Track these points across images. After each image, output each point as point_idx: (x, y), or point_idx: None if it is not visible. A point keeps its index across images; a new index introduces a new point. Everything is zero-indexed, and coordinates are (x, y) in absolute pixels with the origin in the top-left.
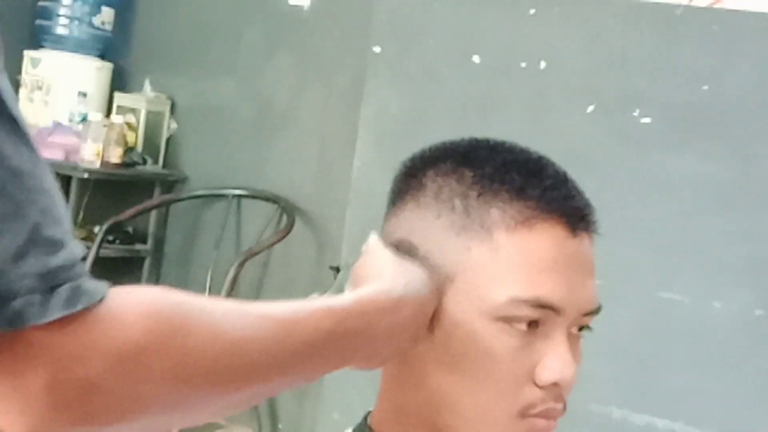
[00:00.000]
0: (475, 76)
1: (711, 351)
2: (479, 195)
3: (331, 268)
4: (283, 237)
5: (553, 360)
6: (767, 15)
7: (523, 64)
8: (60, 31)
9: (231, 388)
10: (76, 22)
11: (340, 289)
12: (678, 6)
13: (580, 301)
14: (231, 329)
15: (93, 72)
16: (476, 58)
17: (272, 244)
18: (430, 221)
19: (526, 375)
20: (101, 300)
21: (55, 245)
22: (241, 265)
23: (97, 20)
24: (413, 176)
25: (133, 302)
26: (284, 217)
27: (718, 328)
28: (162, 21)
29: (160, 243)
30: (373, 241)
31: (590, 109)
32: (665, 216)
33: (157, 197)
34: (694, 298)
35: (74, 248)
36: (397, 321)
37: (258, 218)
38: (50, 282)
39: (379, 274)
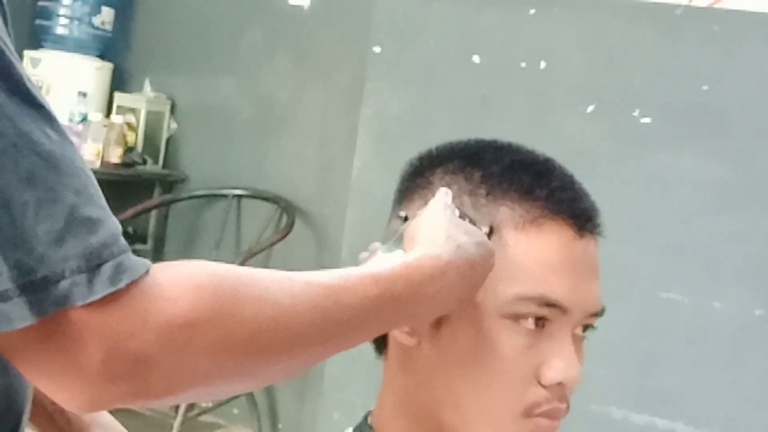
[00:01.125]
0: (475, 76)
1: (711, 351)
2: (488, 194)
3: (399, 216)
4: (283, 237)
5: (559, 360)
6: (767, 15)
7: (523, 64)
8: (60, 31)
9: (281, 356)
10: (76, 22)
11: (397, 243)
12: (678, 6)
13: (585, 301)
14: (279, 297)
15: (93, 72)
16: (476, 58)
17: (272, 244)
18: None
19: (531, 374)
20: (145, 274)
21: (94, 224)
22: (241, 265)
23: (97, 20)
24: (420, 175)
25: (179, 275)
26: (284, 217)
27: (718, 328)
28: (162, 21)
29: (160, 243)
30: (440, 197)
31: (590, 109)
32: (665, 216)
33: (157, 197)
34: (694, 298)
35: (112, 225)
36: (443, 285)
37: (258, 218)
38: (93, 261)
39: (433, 236)
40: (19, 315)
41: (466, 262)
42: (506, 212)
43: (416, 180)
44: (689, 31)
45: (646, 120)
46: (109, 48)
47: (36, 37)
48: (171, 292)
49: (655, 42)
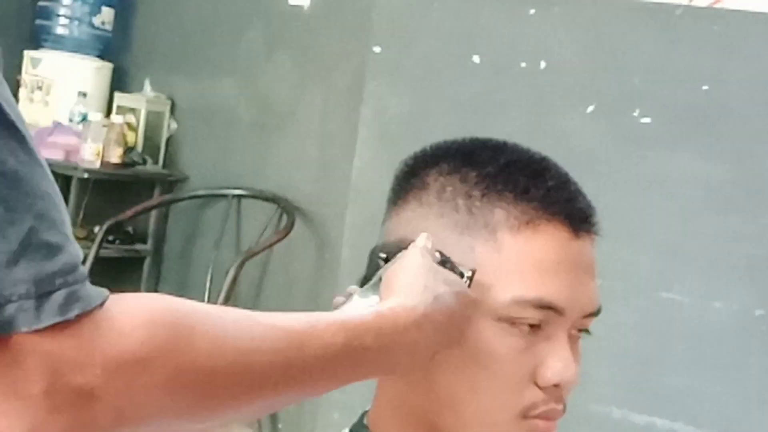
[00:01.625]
0: (475, 76)
1: (711, 351)
2: (483, 195)
3: (379, 258)
4: (283, 237)
5: (556, 361)
6: (767, 15)
7: (523, 64)
8: (60, 31)
9: (236, 400)
10: (76, 22)
11: (374, 288)
12: (678, 6)
13: (582, 302)
14: (238, 339)
15: (93, 72)
16: (476, 58)
17: (272, 244)
18: (432, 220)
19: (528, 376)
20: (100, 306)
21: (52, 250)
22: (241, 265)
23: (97, 20)
24: (415, 175)
25: (135, 309)
26: (284, 217)
27: (718, 328)
28: (162, 21)
29: (160, 243)
30: (421, 242)
31: (590, 109)
32: (665, 216)
33: (157, 197)
34: (694, 298)
35: (72, 252)
36: (418, 338)
37: (258, 218)
38: (44, 287)
39: (410, 285)
40: None
41: (443, 314)
42: (502, 214)
43: (411, 180)
44: (689, 31)
45: (646, 120)
46: (109, 48)
47: (36, 37)
48: (123, 326)
49: (655, 42)
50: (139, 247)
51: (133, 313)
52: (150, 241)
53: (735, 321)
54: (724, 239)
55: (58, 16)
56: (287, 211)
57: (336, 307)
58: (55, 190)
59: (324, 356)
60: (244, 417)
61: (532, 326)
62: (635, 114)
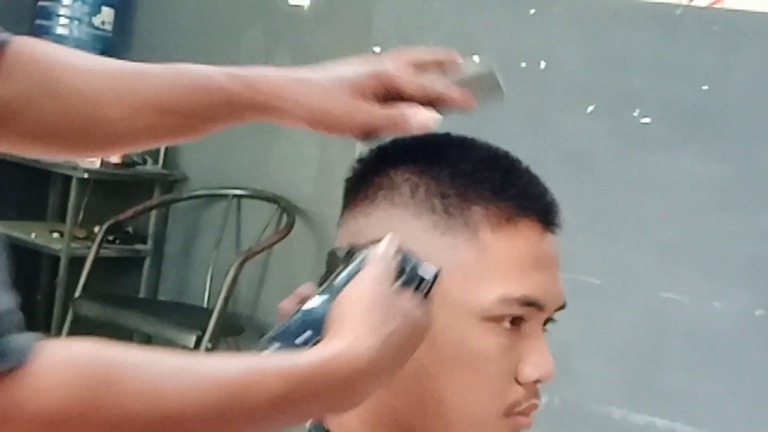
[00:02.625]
0: None
1: (711, 351)
2: (459, 194)
3: (336, 255)
4: (283, 237)
5: (536, 357)
6: (767, 15)
7: (523, 64)
8: (60, 31)
9: None
10: (76, 22)
11: (330, 290)
12: (678, 6)
13: (556, 297)
14: (167, 392)
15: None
16: (476, 58)
17: (272, 244)
18: (409, 221)
19: (511, 374)
20: (21, 362)
21: None
22: (241, 265)
23: (97, 20)
24: (379, 173)
25: (63, 361)
26: (284, 217)
27: (718, 328)
28: (162, 21)
29: (160, 243)
30: (378, 258)
31: (590, 109)
32: (665, 216)
33: (157, 197)
34: (694, 298)
35: (1, 303)
36: (361, 386)
37: (258, 218)
38: None
39: (360, 325)
40: None
41: (392, 353)
42: (480, 212)
43: (374, 179)
44: (689, 31)
45: (646, 120)
46: (109, 48)
47: (36, 37)
48: (52, 379)
49: (655, 42)
50: (139, 247)
51: (61, 367)
52: (150, 241)
53: (735, 321)
54: (724, 239)
55: (58, 16)
56: (287, 211)
57: (283, 315)
58: None
59: (264, 407)
60: None
61: (513, 324)
62: (635, 114)
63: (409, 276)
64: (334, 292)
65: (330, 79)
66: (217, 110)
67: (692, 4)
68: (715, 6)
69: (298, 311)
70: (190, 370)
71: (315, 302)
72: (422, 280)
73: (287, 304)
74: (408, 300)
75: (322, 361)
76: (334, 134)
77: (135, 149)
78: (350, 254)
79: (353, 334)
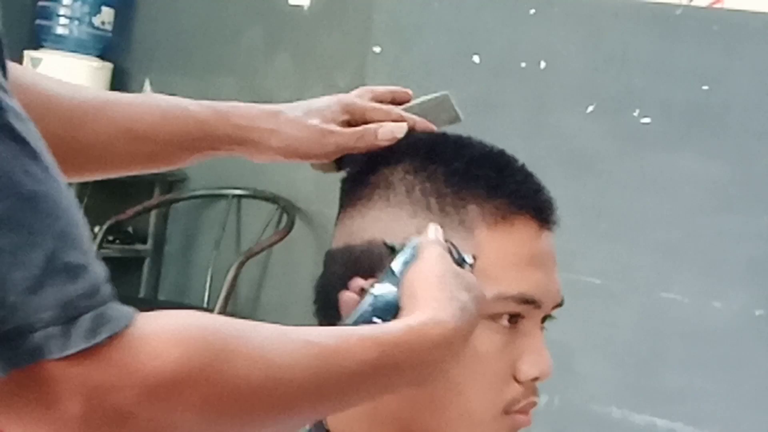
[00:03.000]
0: (475, 76)
1: (711, 351)
2: (454, 192)
3: (387, 246)
4: (283, 237)
5: (533, 355)
6: (767, 15)
7: (523, 64)
8: (60, 31)
9: (270, 417)
10: (76, 22)
11: (390, 278)
12: (678, 6)
13: (553, 294)
14: (272, 357)
15: (93, 72)
16: (476, 58)
17: (272, 244)
18: (405, 221)
19: (509, 372)
20: (128, 326)
21: (75, 271)
22: (241, 265)
23: (97, 20)
24: (374, 173)
25: (166, 328)
26: (284, 217)
27: (718, 328)
28: (162, 21)
29: (160, 243)
30: (431, 243)
31: (590, 109)
32: (665, 216)
33: (157, 197)
34: (694, 298)
35: (96, 271)
36: (447, 353)
37: (258, 218)
38: (70, 312)
39: (437, 296)
40: None
41: (470, 325)
42: (476, 210)
43: (370, 179)
44: (689, 31)
45: (646, 120)
46: (109, 48)
47: (36, 37)
48: (156, 346)
49: (655, 42)
50: (139, 247)
51: (165, 333)
52: (150, 241)
53: (735, 321)
54: (724, 239)
55: (58, 16)
56: (287, 211)
57: (348, 306)
58: (73, 203)
59: (357, 372)
60: None
61: (510, 322)
62: (635, 114)
63: (456, 259)
64: (397, 278)
65: (298, 110)
66: (191, 140)
67: (692, 4)
68: (715, 6)
69: (366, 299)
70: (286, 336)
71: (382, 289)
72: (464, 262)
73: (349, 295)
74: (469, 275)
75: (411, 328)
76: (306, 161)
77: (115, 174)
78: (392, 248)
79: (434, 304)
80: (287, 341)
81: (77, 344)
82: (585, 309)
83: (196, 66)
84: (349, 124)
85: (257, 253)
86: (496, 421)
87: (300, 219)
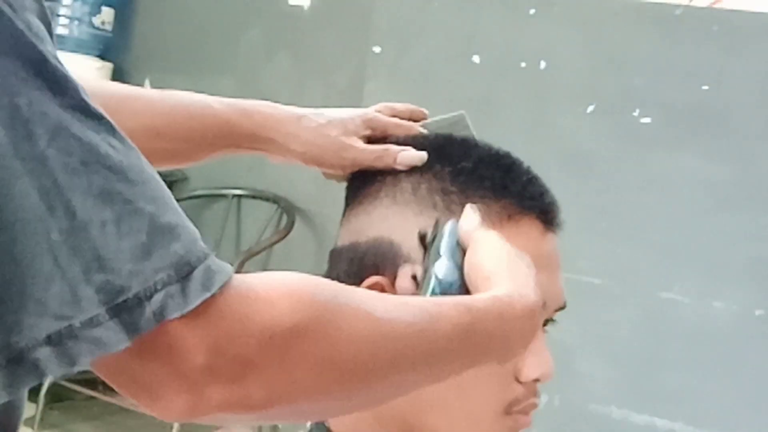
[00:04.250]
0: (475, 76)
1: (711, 351)
2: (461, 191)
3: (420, 236)
4: (283, 237)
5: (536, 357)
6: (767, 15)
7: (523, 64)
8: (60, 31)
9: (379, 373)
10: (76, 22)
11: (440, 260)
12: (678, 6)
13: (557, 296)
14: (376, 311)
15: (93, 72)
16: (476, 58)
17: (272, 244)
18: (410, 219)
19: (511, 372)
20: (232, 279)
21: (175, 230)
22: (241, 265)
23: (97, 20)
24: (381, 172)
25: (274, 282)
26: (284, 217)
27: (718, 328)
28: (162, 21)
29: None
30: (475, 222)
31: (590, 109)
32: (665, 216)
33: None
34: (694, 298)
35: (191, 228)
36: (531, 326)
37: (258, 218)
38: (183, 269)
39: (511, 272)
40: (114, 339)
41: (541, 302)
42: (482, 210)
43: (377, 177)
44: (689, 31)
45: (646, 120)
46: (109, 48)
47: None
48: (268, 296)
49: (655, 42)
50: None
51: (274, 285)
52: None
53: (735, 321)
54: (724, 239)
55: (58, 16)
56: (287, 211)
57: (402, 293)
58: (152, 168)
59: (452, 335)
60: (374, 400)
61: None
62: (635, 114)
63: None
64: (452, 261)
65: (321, 117)
66: (213, 137)
67: (692, 4)
68: (715, 6)
69: (429, 283)
70: (382, 297)
71: (444, 271)
72: None
73: (402, 286)
74: (526, 254)
75: (498, 298)
76: (323, 168)
77: None
78: (423, 236)
79: (513, 280)
80: (386, 300)
81: (196, 299)
82: (585, 309)
83: (196, 66)
84: (369, 138)
85: (257, 253)
86: (497, 421)
87: (300, 219)
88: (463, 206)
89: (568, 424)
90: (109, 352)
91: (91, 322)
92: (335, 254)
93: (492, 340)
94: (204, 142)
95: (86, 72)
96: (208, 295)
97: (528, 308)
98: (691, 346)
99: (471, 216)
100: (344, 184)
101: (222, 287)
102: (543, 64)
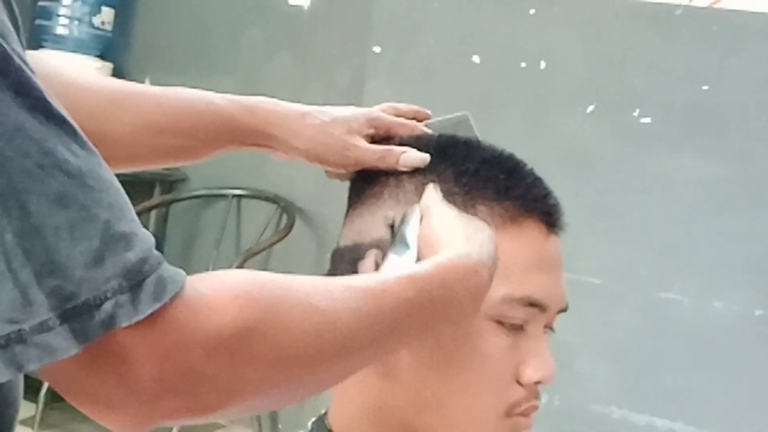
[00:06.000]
0: (475, 76)
1: (711, 351)
2: (465, 193)
3: (388, 225)
4: (283, 237)
5: (537, 359)
6: (767, 15)
7: (523, 64)
8: (60, 31)
9: (326, 363)
10: (76, 22)
11: (403, 246)
12: (678, 6)
13: (559, 298)
14: (321, 302)
15: (93, 72)
16: (476, 58)
17: (272, 244)
18: None
19: (512, 374)
20: (184, 285)
21: (130, 238)
22: (241, 265)
23: (97, 20)
24: (385, 172)
25: (220, 285)
26: (284, 217)
27: (718, 328)
28: (162, 21)
29: (160, 243)
30: (432, 196)
31: (590, 109)
32: (665, 216)
33: (157, 197)
34: (694, 298)
35: (146, 236)
36: (477, 285)
37: (258, 218)
38: (134, 278)
39: (453, 236)
40: (63, 345)
41: (490, 260)
42: (485, 211)
43: (380, 178)
44: (689, 31)
45: (646, 120)
46: (109, 48)
47: (36, 37)
48: (216, 303)
49: (655, 42)
50: None
51: (221, 290)
52: None
53: (735, 321)
54: (724, 239)
55: (58, 16)
56: (287, 211)
57: (363, 272)
58: (112, 176)
59: (399, 310)
60: (331, 382)
61: (516, 324)
62: (635, 114)
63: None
64: (410, 245)
65: (325, 115)
66: (217, 134)
67: (692, 4)
68: (714, 6)
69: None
70: (328, 284)
71: (402, 255)
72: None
73: (369, 264)
74: (477, 219)
75: (439, 263)
76: (325, 167)
77: (134, 168)
78: (392, 225)
79: (454, 243)
80: (331, 288)
81: (146, 309)
82: (585, 309)
83: (197, 66)
84: (372, 138)
85: (257, 253)
86: (497, 423)
87: (300, 219)
88: (467, 208)
89: (568, 424)
90: (58, 359)
91: (41, 327)
92: (337, 254)
93: (439, 305)
94: (207, 139)
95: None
96: (158, 305)
97: (470, 267)
98: (691, 346)
99: (431, 194)
100: (345, 185)
101: (173, 297)
102: (543, 64)
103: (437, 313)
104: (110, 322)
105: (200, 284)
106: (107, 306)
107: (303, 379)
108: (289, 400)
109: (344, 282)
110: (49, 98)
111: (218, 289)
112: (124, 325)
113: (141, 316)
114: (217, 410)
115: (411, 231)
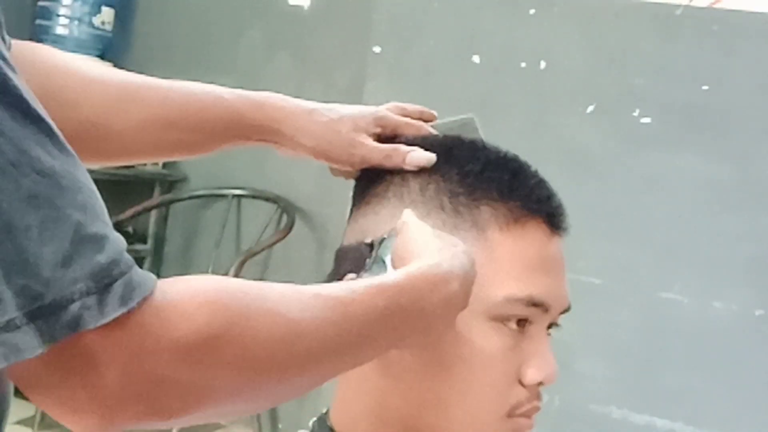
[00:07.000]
0: (475, 76)
1: (711, 351)
2: (469, 193)
3: (366, 244)
4: (283, 237)
5: (539, 359)
6: (767, 15)
7: (523, 64)
8: (60, 31)
9: (294, 370)
10: (76, 22)
11: (380, 266)
12: (678, 6)
13: (561, 299)
14: (289, 310)
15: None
16: (476, 58)
17: (272, 244)
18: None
19: (514, 375)
20: (154, 290)
21: (101, 241)
22: (241, 265)
23: (97, 20)
24: (390, 172)
25: (189, 291)
26: (284, 217)
27: (718, 328)
28: (162, 21)
29: (160, 243)
30: (408, 216)
31: (590, 109)
32: (665, 216)
33: (157, 197)
34: (694, 298)
35: (117, 240)
36: (448, 295)
37: (258, 218)
38: (102, 281)
39: (424, 249)
40: (29, 344)
41: (462, 271)
42: (489, 212)
43: (385, 177)
44: (689, 31)
45: (646, 120)
46: (109, 48)
47: (36, 37)
48: (184, 309)
49: (655, 42)
50: (139, 247)
51: (190, 296)
52: (150, 241)
53: (735, 321)
54: (724, 239)
55: (58, 16)
56: (287, 211)
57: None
58: (87, 177)
59: (368, 319)
60: (298, 391)
61: (518, 325)
62: (635, 114)
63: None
64: (386, 265)
65: (332, 113)
66: (223, 128)
67: (692, 4)
68: (715, 6)
69: None
70: (298, 292)
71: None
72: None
73: None
74: (450, 235)
75: (409, 273)
76: (331, 164)
77: (140, 161)
78: (371, 245)
79: (425, 255)
80: (300, 296)
81: (112, 312)
82: (585, 309)
83: (197, 66)
84: (379, 137)
85: (257, 253)
86: (499, 423)
87: (300, 219)
88: (471, 208)
89: (568, 424)
90: (24, 359)
91: (7, 326)
92: (341, 253)
93: (409, 314)
94: (214, 134)
95: None
96: (125, 309)
97: (440, 277)
98: (691, 346)
99: (407, 214)
100: (346, 185)
101: (141, 301)
102: (543, 64)
103: (407, 322)
104: (76, 323)
105: (170, 289)
106: (74, 307)
107: (269, 386)
108: (256, 407)
109: (314, 290)
110: (27, 97)
111: (187, 295)
112: (90, 327)
113: (107, 319)
114: (182, 415)
115: (388, 252)
